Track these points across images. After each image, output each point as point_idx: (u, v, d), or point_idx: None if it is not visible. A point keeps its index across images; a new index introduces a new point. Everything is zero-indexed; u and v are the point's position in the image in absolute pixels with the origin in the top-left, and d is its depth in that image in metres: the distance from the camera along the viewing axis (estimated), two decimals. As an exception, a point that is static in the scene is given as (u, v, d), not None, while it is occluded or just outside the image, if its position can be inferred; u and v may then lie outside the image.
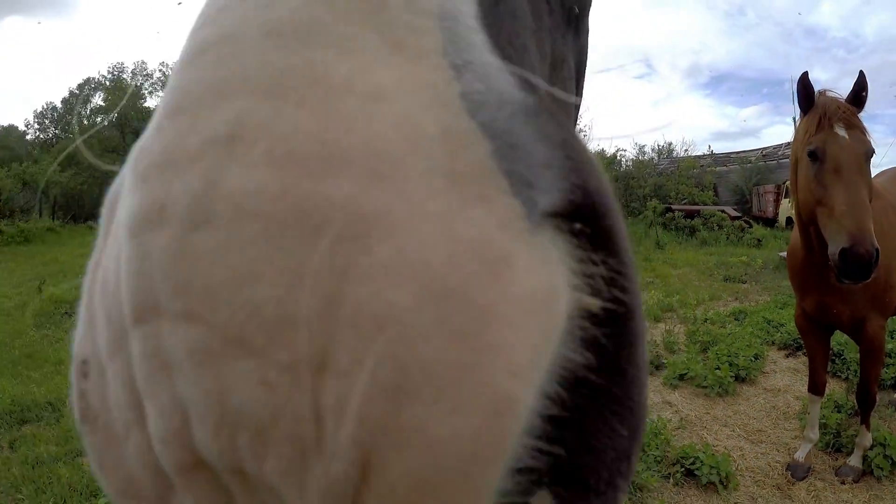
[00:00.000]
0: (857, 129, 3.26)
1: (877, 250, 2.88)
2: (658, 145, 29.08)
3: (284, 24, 0.30)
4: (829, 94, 3.43)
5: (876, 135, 3.52)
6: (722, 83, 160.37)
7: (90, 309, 0.34)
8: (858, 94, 3.38)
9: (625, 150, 27.53)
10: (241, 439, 0.27)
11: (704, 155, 26.80)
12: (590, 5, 0.86)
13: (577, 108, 0.91)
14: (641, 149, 27.59)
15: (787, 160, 3.84)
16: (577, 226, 0.29)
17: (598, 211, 0.30)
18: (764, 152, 24.01)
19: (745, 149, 26.72)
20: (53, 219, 26.04)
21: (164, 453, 0.29)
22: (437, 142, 0.28)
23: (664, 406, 5.10)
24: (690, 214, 17.93)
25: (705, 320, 7.72)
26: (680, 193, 20.86)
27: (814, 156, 3.19)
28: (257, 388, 0.26)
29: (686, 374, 5.59)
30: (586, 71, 0.93)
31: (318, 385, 0.26)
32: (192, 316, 0.27)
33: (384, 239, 0.26)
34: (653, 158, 26.91)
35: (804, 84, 3.38)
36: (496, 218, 0.27)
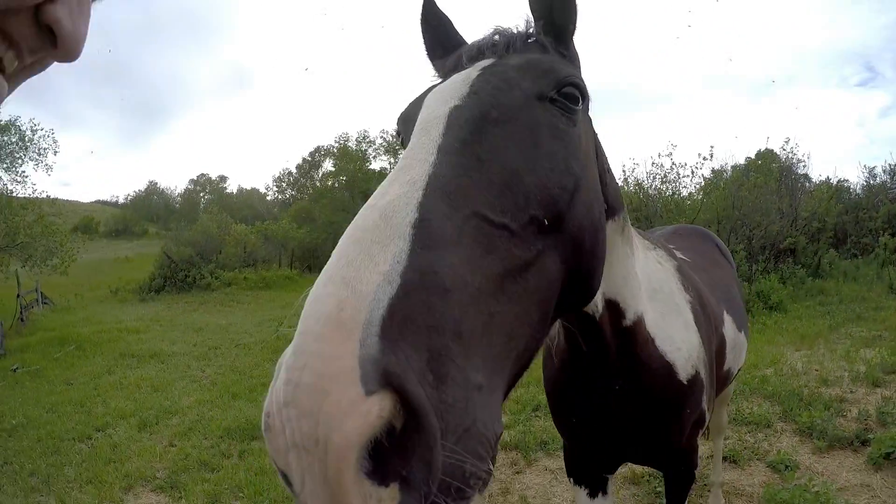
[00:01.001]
0: None
1: None
2: (889, 165, 23.49)
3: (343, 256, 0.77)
4: None
5: None
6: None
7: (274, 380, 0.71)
8: None
9: (847, 181, 23.27)
10: (292, 456, 0.65)
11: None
12: (576, 204, 1.06)
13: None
14: (871, 171, 22.99)
15: None
16: (397, 399, 0.65)
17: (407, 407, 0.65)
18: None
19: None
20: (291, 268, 29.15)
21: (290, 436, 0.65)
22: (346, 372, 0.64)
23: (861, 489, 4.28)
24: (932, 248, 14.63)
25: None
26: (920, 222, 17.07)
27: None
28: (304, 457, 0.65)
29: (893, 452, 4.56)
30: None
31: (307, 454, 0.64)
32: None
33: (323, 402, 0.63)
34: (885, 182, 22.16)
35: None
36: (349, 396, 0.62)
